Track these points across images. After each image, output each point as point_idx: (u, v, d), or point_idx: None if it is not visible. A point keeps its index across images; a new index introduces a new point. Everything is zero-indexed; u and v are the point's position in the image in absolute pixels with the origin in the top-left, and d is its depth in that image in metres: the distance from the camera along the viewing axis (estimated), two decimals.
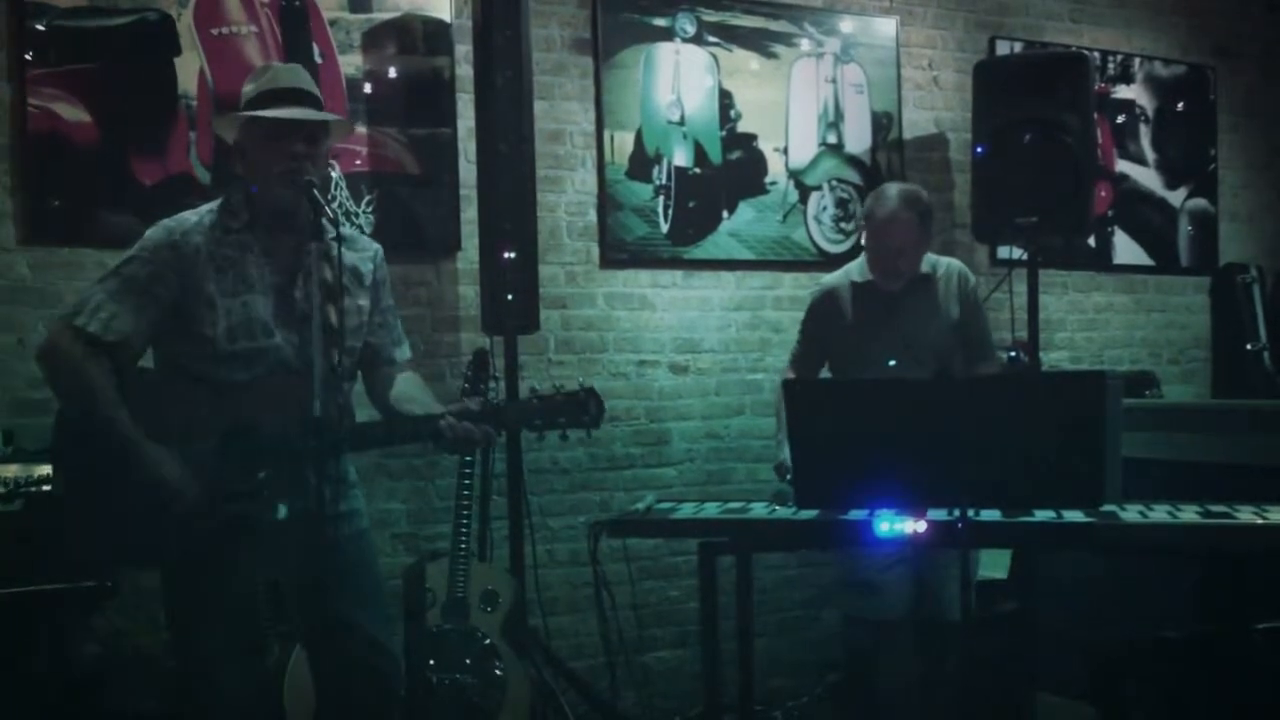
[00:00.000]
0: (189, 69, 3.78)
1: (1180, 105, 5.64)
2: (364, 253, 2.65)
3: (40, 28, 3.59)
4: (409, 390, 2.64)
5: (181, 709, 2.59)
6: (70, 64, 3.63)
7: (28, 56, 3.58)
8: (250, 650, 2.53)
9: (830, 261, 4.71)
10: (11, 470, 3.16)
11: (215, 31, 3.82)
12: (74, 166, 3.63)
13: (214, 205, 2.54)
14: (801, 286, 4.75)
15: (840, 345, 3.67)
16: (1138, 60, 5.53)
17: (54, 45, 3.61)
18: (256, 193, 2.50)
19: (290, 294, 2.48)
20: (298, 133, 2.45)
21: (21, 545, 3.04)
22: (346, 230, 2.56)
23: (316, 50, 3.97)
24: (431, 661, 3.53)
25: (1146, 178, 5.56)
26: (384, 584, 2.77)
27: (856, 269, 3.69)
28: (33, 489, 3.12)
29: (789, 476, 3.19)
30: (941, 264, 3.70)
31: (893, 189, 3.63)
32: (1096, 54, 5.30)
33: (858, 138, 4.88)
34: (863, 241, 3.69)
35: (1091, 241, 5.29)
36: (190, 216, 2.50)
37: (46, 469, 3.07)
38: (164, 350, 2.52)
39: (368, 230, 4.01)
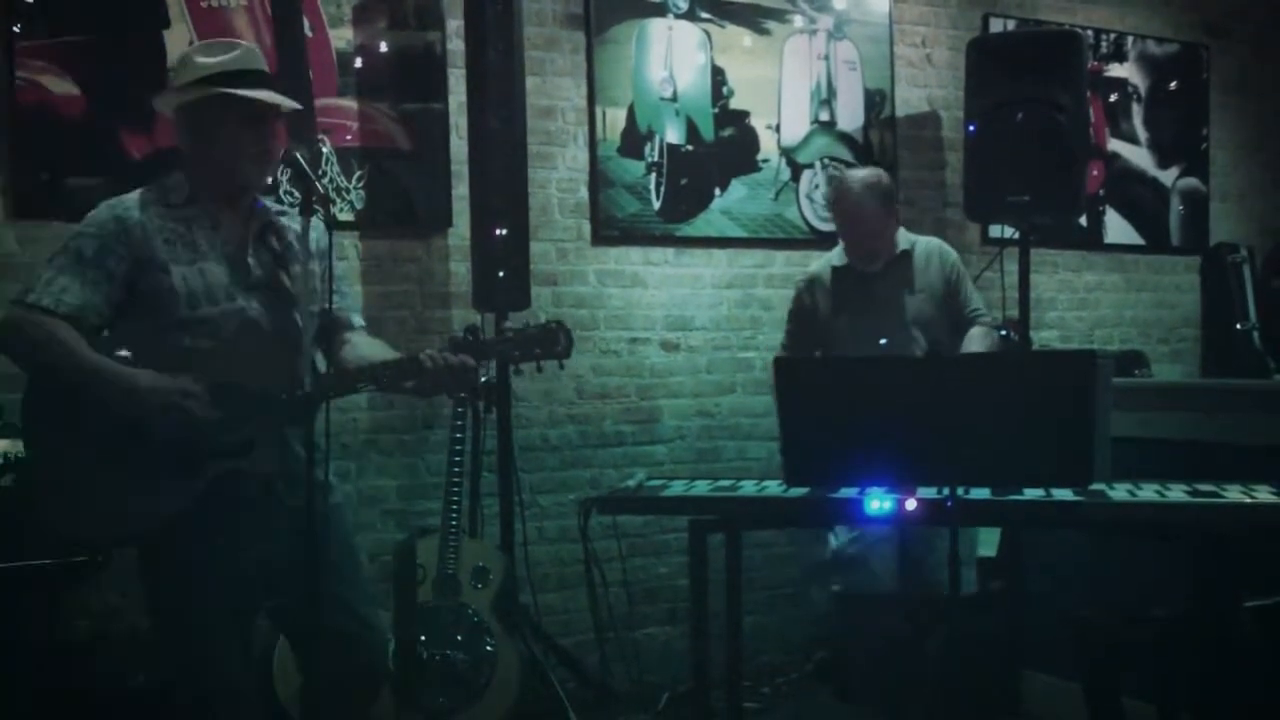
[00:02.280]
0: (178, 41, 3.75)
1: (1173, 84, 5.64)
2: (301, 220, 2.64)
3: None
4: (373, 348, 2.65)
5: (172, 686, 2.58)
6: (59, 36, 3.60)
7: (16, 28, 3.55)
8: (238, 627, 2.53)
9: (822, 239, 4.71)
10: (1, 445, 3.15)
11: (204, 4, 3.79)
12: (62, 140, 3.60)
13: (152, 185, 2.53)
14: (793, 264, 4.74)
15: (826, 330, 3.72)
16: (1131, 39, 5.53)
17: (42, 17, 3.58)
18: (215, 169, 2.49)
19: (244, 261, 2.50)
20: (275, 116, 2.49)
21: (12, 519, 3.04)
22: (282, 205, 2.57)
23: (306, 23, 3.94)
24: (422, 637, 3.54)
25: (1138, 157, 5.56)
26: (361, 557, 2.78)
27: (836, 254, 3.79)
28: (23, 464, 3.11)
29: None
30: (920, 241, 3.78)
31: (852, 179, 3.72)
32: (1090, 32, 5.30)
33: (850, 115, 4.87)
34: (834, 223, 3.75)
35: (1083, 220, 5.28)
36: (130, 195, 2.51)
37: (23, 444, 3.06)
38: (126, 329, 2.48)
39: (359, 206, 4.00)
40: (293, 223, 2.60)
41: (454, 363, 2.47)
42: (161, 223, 2.46)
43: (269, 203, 2.59)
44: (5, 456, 3.14)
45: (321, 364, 2.63)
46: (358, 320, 2.73)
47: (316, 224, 2.65)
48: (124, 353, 2.43)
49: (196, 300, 2.43)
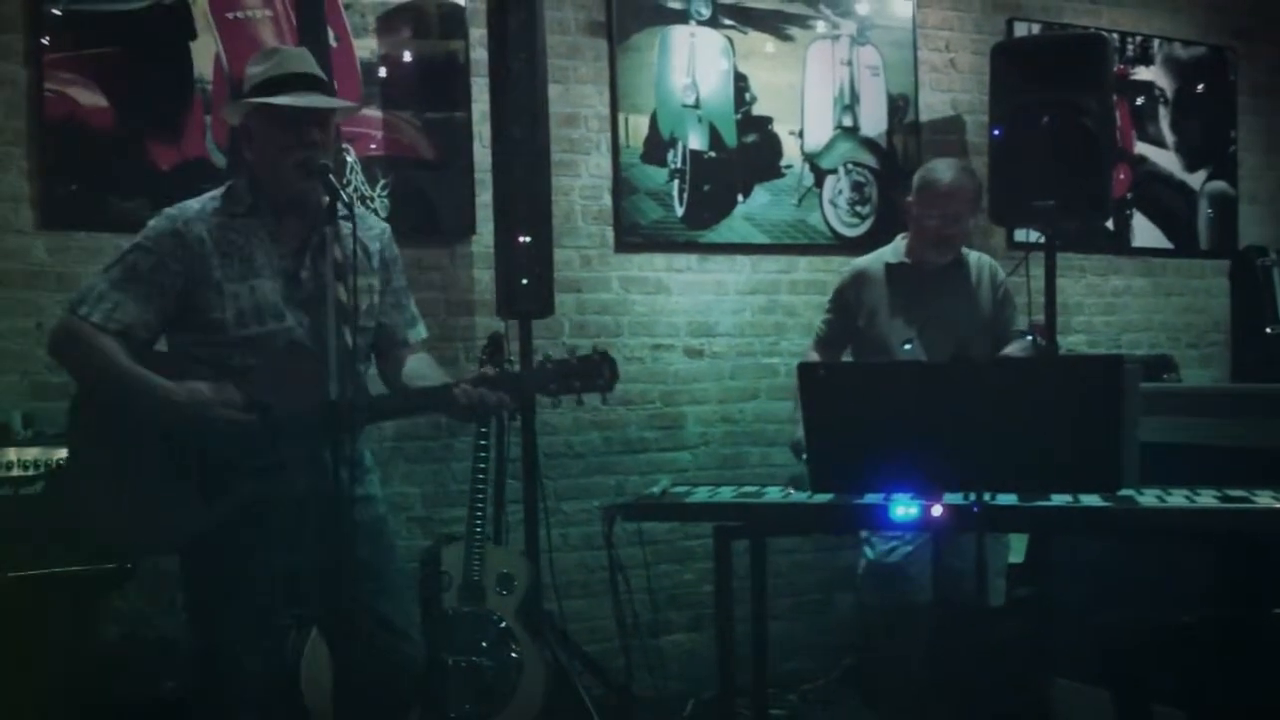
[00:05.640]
0: (205, 53, 3.79)
1: (1200, 87, 5.59)
2: (371, 231, 2.65)
3: (57, 12, 3.60)
4: (420, 369, 2.65)
5: (200, 691, 2.60)
6: (87, 48, 3.63)
7: (44, 41, 3.59)
8: (268, 635, 2.54)
9: (846, 245, 4.71)
10: (31, 453, 3.18)
11: (231, 15, 3.83)
12: (90, 151, 3.64)
13: (216, 193, 2.54)
14: (817, 270, 4.74)
15: (869, 327, 3.67)
16: (1157, 41, 5.49)
17: (70, 29, 3.62)
18: (267, 179, 2.49)
19: (297, 276, 2.49)
20: (310, 120, 2.46)
21: (41, 527, 3.07)
22: (356, 210, 2.55)
23: (331, 34, 3.96)
24: (447, 644, 3.55)
25: (1166, 160, 5.52)
26: (404, 569, 2.77)
27: (890, 251, 3.71)
28: (52, 471, 3.14)
29: (804, 456, 3.19)
30: (973, 255, 3.75)
31: (947, 161, 3.73)
32: (1115, 35, 5.26)
33: (874, 121, 4.85)
34: (910, 217, 3.66)
35: (1110, 224, 5.25)
36: (193, 204, 2.50)
37: (65, 452, 3.08)
38: (174, 339, 2.52)
39: (383, 214, 4.02)
40: (360, 231, 2.55)
41: (490, 401, 2.45)
42: (221, 234, 2.45)
43: (359, 212, 2.48)
44: (36, 464, 3.17)
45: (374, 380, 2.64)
46: (414, 336, 2.71)
47: (385, 235, 2.66)
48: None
49: (245, 320, 2.44)
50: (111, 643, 3.45)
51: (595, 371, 2.48)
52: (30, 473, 3.16)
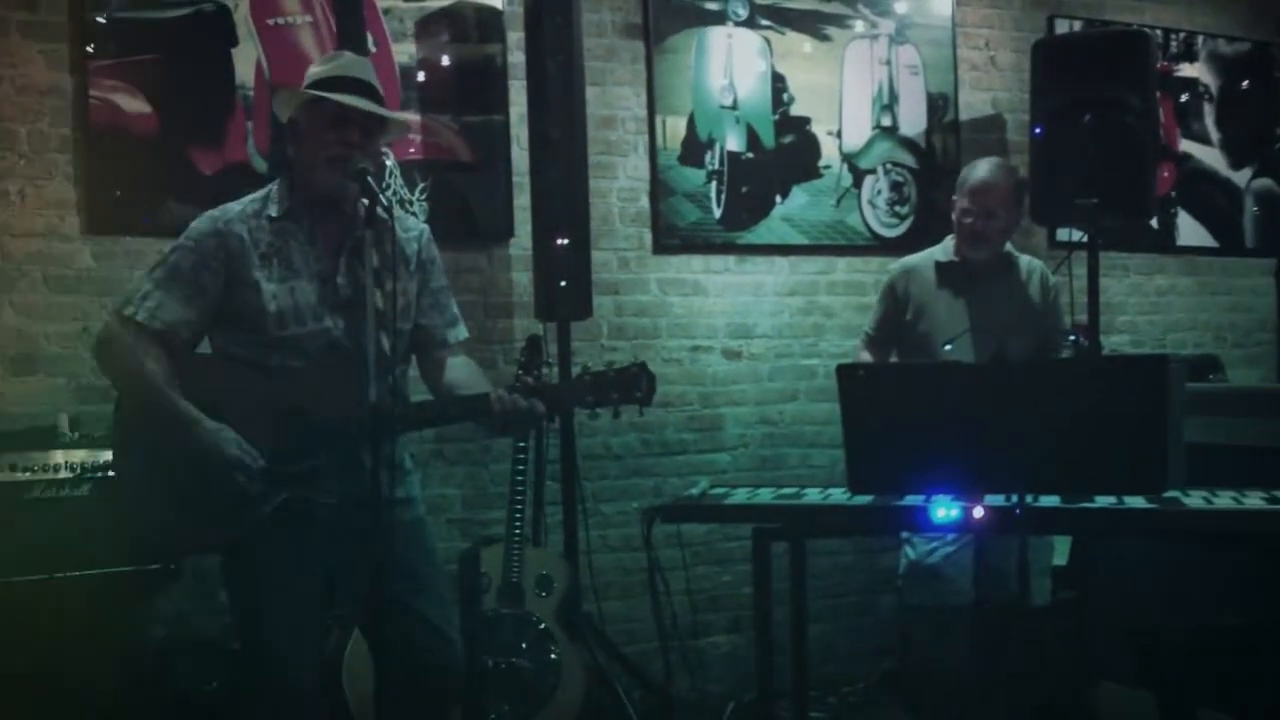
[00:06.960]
0: (246, 59, 3.83)
1: (1244, 83, 5.51)
2: (409, 234, 2.65)
3: (100, 20, 3.65)
4: (462, 376, 2.65)
5: (244, 692, 2.63)
6: (130, 55, 3.68)
7: (89, 49, 3.64)
8: (311, 635, 2.56)
9: (885, 245, 4.68)
10: (78, 456, 3.23)
11: (271, 22, 3.86)
12: (135, 157, 3.69)
13: (258, 195, 2.57)
14: (856, 271, 4.72)
15: (916, 322, 3.67)
16: (1200, 38, 5.42)
17: (114, 37, 3.67)
18: (303, 175, 2.52)
19: (333, 280, 2.51)
20: (355, 122, 2.48)
21: (88, 529, 3.11)
22: (395, 212, 2.56)
23: (370, 39, 4.00)
24: (487, 645, 3.56)
25: (1210, 157, 5.45)
26: (443, 570, 2.79)
27: (941, 250, 3.73)
28: (99, 474, 3.18)
29: None
30: (1024, 257, 3.77)
31: (990, 159, 3.78)
32: (1158, 32, 5.20)
33: (913, 120, 4.83)
34: (953, 215, 3.66)
35: (1154, 223, 5.18)
36: (234, 206, 2.54)
37: (110, 454, 3.12)
38: (216, 339, 2.56)
39: (422, 218, 4.04)
40: (402, 235, 2.59)
41: (523, 408, 2.44)
42: (260, 236, 2.49)
43: (397, 214, 2.50)
44: (83, 467, 3.21)
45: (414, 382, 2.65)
46: (454, 337, 2.72)
47: (423, 237, 2.67)
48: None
49: (285, 320, 2.47)
50: (157, 642, 3.49)
51: (633, 384, 2.45)
52: (77, 474, 3.21)
